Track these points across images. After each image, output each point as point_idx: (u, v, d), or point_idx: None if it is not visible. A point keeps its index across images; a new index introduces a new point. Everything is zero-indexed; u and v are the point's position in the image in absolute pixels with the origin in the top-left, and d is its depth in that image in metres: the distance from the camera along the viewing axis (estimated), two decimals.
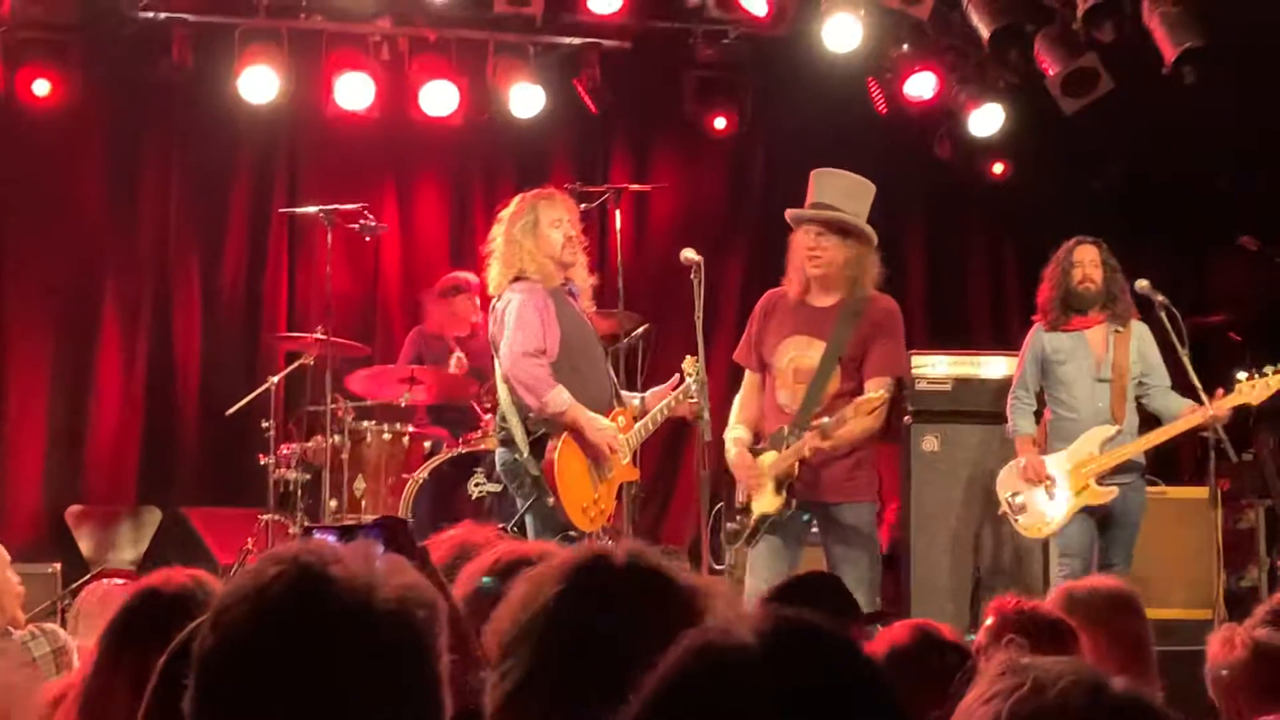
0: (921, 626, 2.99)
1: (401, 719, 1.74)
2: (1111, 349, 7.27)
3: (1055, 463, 7.28)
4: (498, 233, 6.59)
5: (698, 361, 6.37)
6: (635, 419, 6.63)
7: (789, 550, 6.38)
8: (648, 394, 6.69)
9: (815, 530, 6.55)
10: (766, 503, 6.30)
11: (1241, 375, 7.06)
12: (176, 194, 10.23)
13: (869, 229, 6.45)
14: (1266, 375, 7.02)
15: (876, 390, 6.25)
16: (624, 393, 6.80)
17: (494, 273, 6.57)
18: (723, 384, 7.45)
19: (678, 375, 6.66)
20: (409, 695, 1.75)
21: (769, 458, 6.32)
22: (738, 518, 6.31)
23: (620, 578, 1.98)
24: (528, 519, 6.37)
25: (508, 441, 6.49)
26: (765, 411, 6.41)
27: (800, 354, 6.40)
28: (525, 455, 6.36)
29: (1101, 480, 7.17)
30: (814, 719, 1.51)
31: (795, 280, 6.46)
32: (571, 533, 6.31)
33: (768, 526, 6.32)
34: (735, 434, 6.47)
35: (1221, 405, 6.96)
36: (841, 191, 6.45)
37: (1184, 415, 7.12)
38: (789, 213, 6.51)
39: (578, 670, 1.90)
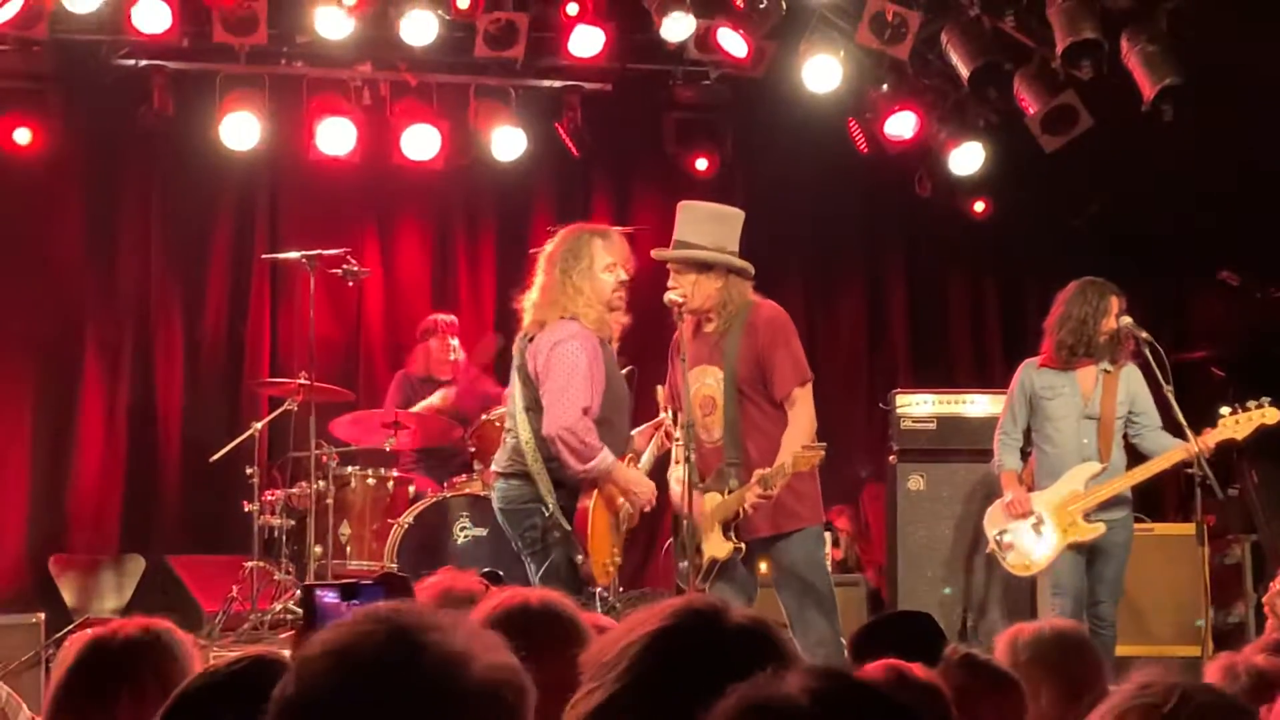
0: (895, 666, 2.97)
1: None
2: (1100, 387, 7.27)
3: (1041, 499, 7.27)
4: (545, 265, 6.27)
5: (686, 399, 6.28)
6: (635, 456, 6.57)
7: (741, 594, 6.32)
8: (635, 432, 6.61)
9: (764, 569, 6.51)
10: (715, 547, 6.24)
11: (1225, 410, 7.07)
12: (158, 241, 10.22)
13: (724, 256, 6.26)
14: (1250, 410, 7.04)
15: (798, 404, 6.22)
16: None
17: (535, 304, 6.24)
18: None
19: (662, 415, 6.62)
20: None
21: (712, 500, 6.25)
22: (688, 558, 6.23)
23: (730, 633, 1.89)
24: (530, 565, 6.23)
25: (519, 476, 6.24)
26: (696, 450, 6.32)
27: (700, 383, 6.33)
28: (552, 507, 6.14)
29: (1088, 516, 7.17)
30: None
31: (686, 315, 6.38)
32: (591, 588, 6.24)
33: (718, 571, 6.27)
34: (678, 474, 6.39)
35: (1207, 440, 6.97)
36: (694, 223, 6.31)
37: (1170, 452, 7.12)
38: (652, 254, 6.43)
39: (659, 702, 1.82)
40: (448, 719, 1.65)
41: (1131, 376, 7.31)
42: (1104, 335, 7.25)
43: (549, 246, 6.33)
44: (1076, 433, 7.27)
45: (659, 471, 6.65)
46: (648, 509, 6.42)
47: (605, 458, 6.11)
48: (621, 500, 6.29)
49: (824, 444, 6.07)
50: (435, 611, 1.75)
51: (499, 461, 6.41)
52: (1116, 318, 7.25)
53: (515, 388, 6.34)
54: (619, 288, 6.25)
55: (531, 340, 6.23)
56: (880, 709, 1.55)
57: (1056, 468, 7.29)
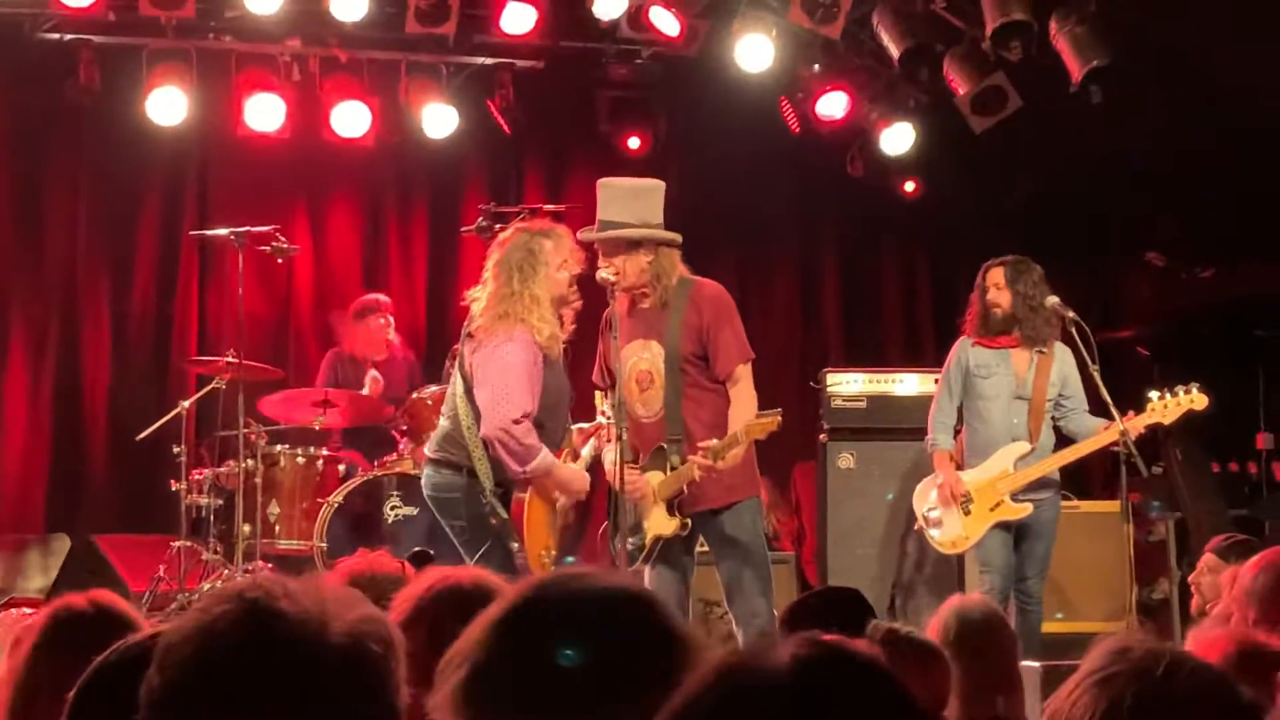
0: (832, 641, 2.98)
1: None
2: (1033, 369, 7.34)
3: (970, 479, 7.33)
4: (494, 271, 6.22)
5: (614, 390, 6.28)
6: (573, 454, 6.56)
7: (679, 574, 6.34)
8: (573, 428, 6.58)
9: (704, 548, 6.52)
10: (661, 524, 6.25)
11: (1153, 395, 7.14)
12: (84, 217, 10.10)
13: (650, 231, 6.26)
14: (1178, 395, 7.11)
15: (741, 381, 6.24)
16: None
17: (486, 311, 6.18)
18: None
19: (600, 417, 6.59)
20: None
21: (654, 478, 6.26)
22: (631, 538, 6.24)
23: (590, 602, 1.81)
24: (467, 557, 6.21)
25: (449, 465, 6.25)
26: (633, 425, 6.29)
27: (638, 358, 6.34)
28: (489, 496, 6.13)
29: (1016, 497, 7.24)
30: None
31: (619, 292, 6.38)
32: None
33: (661, 548, 6.28)
34: (611, 454, 6.38)
35: (1134, 424, 7.03)
36: (616, 201, 6.30)
37: (1097, 433, 7.19)
38: (579, 235, 6.42)
39: (518, 671, 1.79)
40: (313, 682, 1.64)
41: (1064, 358, 7.38)
42: (993, 308, 7.40)
43: (495, 254, 6.28)
44: (1007, 413, 7.34)
45: (593, 470, 6.65)
46: (581, 497, 6.43)
47: (545, 458, 6.10)
48: (558, 493, 6.29)
49: (779, 409, 6.10)
50: (286, 580, 1.73)
51: (431, 446, 6.40)
52: (1002, 286, 7.38)
53: (456, 378, 6.33)
54: (572, 282, 6.27)
55: (472, 336, 6.22)
56: (862, 677, 1.53)
57: (986, 446, 7.35)
